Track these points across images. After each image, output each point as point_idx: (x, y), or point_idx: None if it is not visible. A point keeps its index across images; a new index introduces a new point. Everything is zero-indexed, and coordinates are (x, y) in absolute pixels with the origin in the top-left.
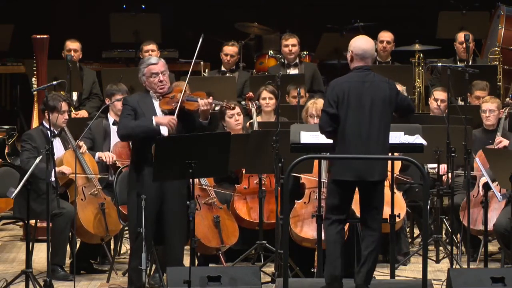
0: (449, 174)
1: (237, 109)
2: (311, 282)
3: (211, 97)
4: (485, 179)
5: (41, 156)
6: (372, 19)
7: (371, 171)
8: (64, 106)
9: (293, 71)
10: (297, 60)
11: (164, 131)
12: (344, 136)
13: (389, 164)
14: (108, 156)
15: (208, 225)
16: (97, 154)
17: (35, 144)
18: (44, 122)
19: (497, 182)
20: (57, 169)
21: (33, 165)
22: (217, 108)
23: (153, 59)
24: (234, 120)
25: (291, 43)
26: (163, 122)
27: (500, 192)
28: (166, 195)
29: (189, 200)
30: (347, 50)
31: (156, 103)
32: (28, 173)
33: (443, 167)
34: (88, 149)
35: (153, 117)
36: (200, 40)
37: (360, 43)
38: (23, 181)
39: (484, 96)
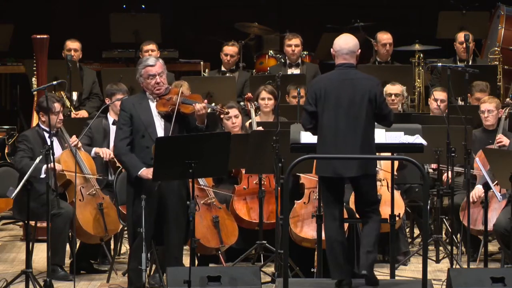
0: (449, 174)
1: (235, 111)
2: (311, 282)
3: (205, 101)
4: (480, 187)
5: (40, 157)
6: (372, 19)
7: (348, 167)
8: (57, 107)
9: (295, 71)
10: (299, 60)
11: (160, 129)
12: (321, 133)
13: (388, 163)
14: (105, 152)
15: (207, 225)
16: (94, 150)
17: (30, 145)
18: (40, 123)
19: (496, 182)
20: (49, 165)
21: (33, 166)
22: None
23: (151, 61)
24: (231, 123)
25: (294, 43)
26: (146, 176)
27: (500, 192)
28: (165, 196)
29: (188, 200)
30: None
31: (152, 105)
32: (28, 173)
33: (434, 165)
34: (85, 145)
35: (143, 169)
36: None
37: (338, 40)
38: (23, 181)
39: (484, 98)
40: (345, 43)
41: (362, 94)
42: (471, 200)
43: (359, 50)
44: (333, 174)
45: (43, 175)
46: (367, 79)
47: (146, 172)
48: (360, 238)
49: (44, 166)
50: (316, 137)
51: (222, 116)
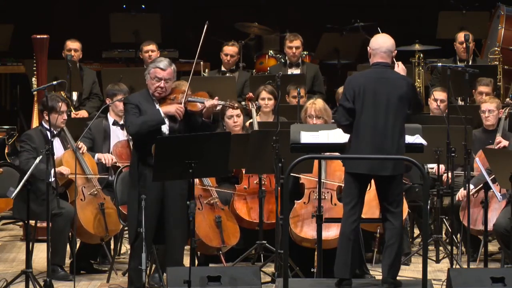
0: (449, 174)
1: (237, 111)
2: (311, 282)
3: (216, 98)
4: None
5: (40, 157)
6: (372, 19)
7: (385, 165)
8: (62, 106)
9: (295, 71)
10: (299, 61)
11: (165, 129)
12: (358, 131)
13: None
14: (107, 158)
15: (210, 224)
16: (97, 156)
17: (34, 145)
18: (43, 123)
19: (493, 176)
20: (56, 169)
21: (33, 166)
22: (218, 107)
23: (163, 64)
24: (233, 122)
25: (295, 46)
26: (171, 111)
27: (500, 192)
28: (167, 196)
29: (188, 200)
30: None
31: (157, 105)
32: (28, 173)
33: (442, 167)
34: (87, 149)
35: (159, 108)
36: (205, 26)
37: (376, 39)
38: (23, 181)
39: (487, 91)
40: (384, 42)
41: (399, 94)
42: (456, 199)
43: (396, 51)
44: (368, 171)
45: (52, 179)
46: (403, 79)
47: (165, 108)
48: (384, 247)
49: (53, 170)
50: (315, 137)
51: (228, 112)
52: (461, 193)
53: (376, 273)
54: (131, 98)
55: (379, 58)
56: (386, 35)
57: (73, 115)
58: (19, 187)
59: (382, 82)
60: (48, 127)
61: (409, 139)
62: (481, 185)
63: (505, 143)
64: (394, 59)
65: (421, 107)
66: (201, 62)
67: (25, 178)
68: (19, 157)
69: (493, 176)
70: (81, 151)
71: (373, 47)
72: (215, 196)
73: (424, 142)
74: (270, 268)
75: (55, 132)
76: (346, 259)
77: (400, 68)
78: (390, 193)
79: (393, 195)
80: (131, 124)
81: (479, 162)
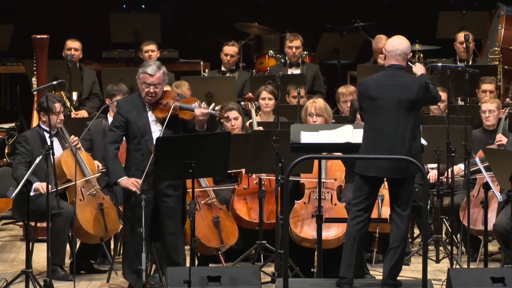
0: (449, 174)
1: (234, 114)
2: (311, 282)
3: (204, 104)
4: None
5: (37, 161)
6: (372, 19)
7: (396, 168)
8: (58, 107)
9: (295, 71)
10: (300, 61)
11: (156, 134)
12: (368, 133)
13: None
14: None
15: (208, 225)
16: (96, 163)
17: (29, 147)
18: (40, 123)
19: (487, 164)
20: (34, 186)
21: (33, 166)
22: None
23: (151, 70)
24: (230, 125)
25: (295, 45)
26: (125, 186)
27: (500, 192)
28: (161, 196)
29: (184, 200)
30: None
31: (149, 110)
32: (28, 172)
33: (434, 174)
34: (85, 150)
35: (123, 178)
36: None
37: (392, 41)
38: (23, 181)
39: (491, 89)
40: (399, 44)
41: (410, 97)
42: (455, 172)
43: (411, 54)
44: (379, 174)
45: (32, 193)
46: (415, 82)
47: (126, 182)
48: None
49: (35, 185)
50: (315, 137)
51: (222, 120)
52: (456, 169)
53: (376, 273)
54: (123, 106)
55: (394, 61)
56: (402, 37)
57: (73, 115)
58: (19, 187)
59: (393, 84)
60: (45, 128)
61: None
62: (476, 168)
63: (503, 140)
64: (410, 62)
65: (435, 101)
66: (201, 62)
67: (25, 178)
68: (13, 159)
69: (486, 163)
70: (74, 144)
71: (388, 49)
72: (212, 196)
73: (424, 142)
74: (270, 268)
75: (52, 133)
76: (351, 259)
77: (418, 67)
78: (399, 195)
79: (402, 198)
80: (105, 149)
81: (479, 162)
